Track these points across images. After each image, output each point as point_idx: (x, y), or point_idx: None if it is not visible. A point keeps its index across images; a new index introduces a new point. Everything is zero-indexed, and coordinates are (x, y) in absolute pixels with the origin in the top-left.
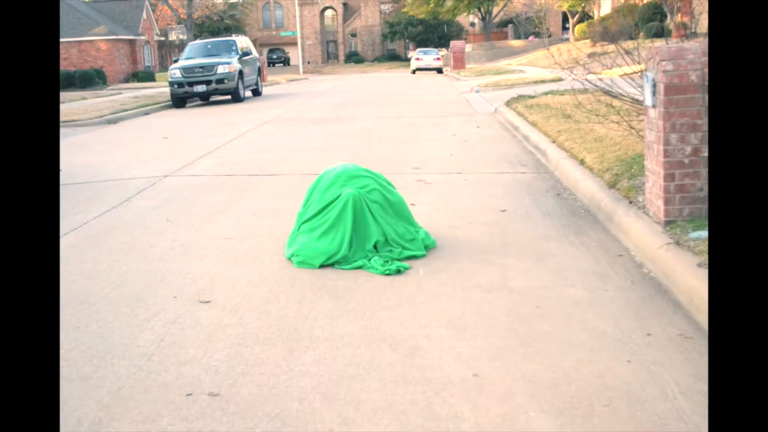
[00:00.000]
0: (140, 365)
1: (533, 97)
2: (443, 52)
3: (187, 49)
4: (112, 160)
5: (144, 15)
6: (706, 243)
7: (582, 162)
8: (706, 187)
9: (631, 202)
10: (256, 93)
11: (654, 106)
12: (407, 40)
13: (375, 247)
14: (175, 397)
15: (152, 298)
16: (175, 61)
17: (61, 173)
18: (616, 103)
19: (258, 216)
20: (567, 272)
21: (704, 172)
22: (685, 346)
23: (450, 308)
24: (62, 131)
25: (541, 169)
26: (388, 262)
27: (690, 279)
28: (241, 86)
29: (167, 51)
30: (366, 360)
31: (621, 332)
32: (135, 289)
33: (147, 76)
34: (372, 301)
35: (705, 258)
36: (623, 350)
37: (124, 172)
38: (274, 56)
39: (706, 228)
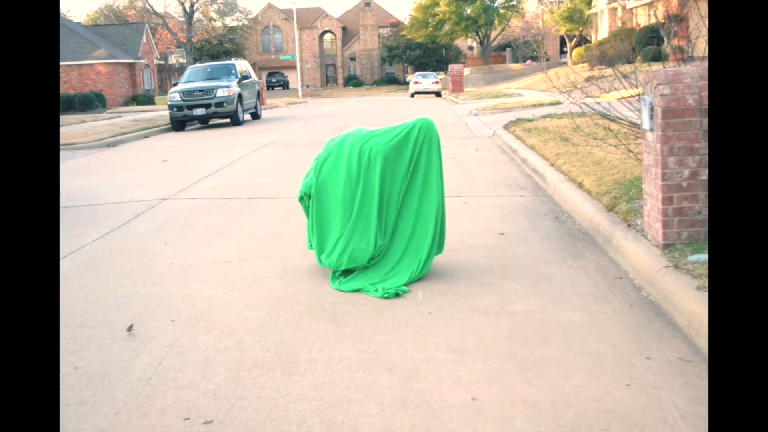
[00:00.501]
0: (138, 389)
1: (531, 120)
2: (442, 75)
3: (186, 73)
4: (112, 183)
5: (144, 39)
6: (705, 266)
7: (580, 185)
8: (704, 211)
9: (629, 225)
10: (255, 116)
11: (652, 130)
12: (406, 64)
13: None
14: (173, 422)
15: (150, 321)
16: (175, 85)
17: (60, 196)
18: (614, 126)
19: (257, 239)
20: (566, 295)
21: (702, 195)
22: (685, 369)
23: (449, 332)
24: (62, 154)
25: (539, 192)
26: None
27: (689, 302)
28: (240, 109)
29: (167, 74)
30: (365, 384)
31: (620, 356)
32: (133, 312)
33: (146, 100)
34: (370, 324)
35: (704, 281)
36: (622, 374)
37: (123, 195)
38: (273, 80)
39: (705, 251)
